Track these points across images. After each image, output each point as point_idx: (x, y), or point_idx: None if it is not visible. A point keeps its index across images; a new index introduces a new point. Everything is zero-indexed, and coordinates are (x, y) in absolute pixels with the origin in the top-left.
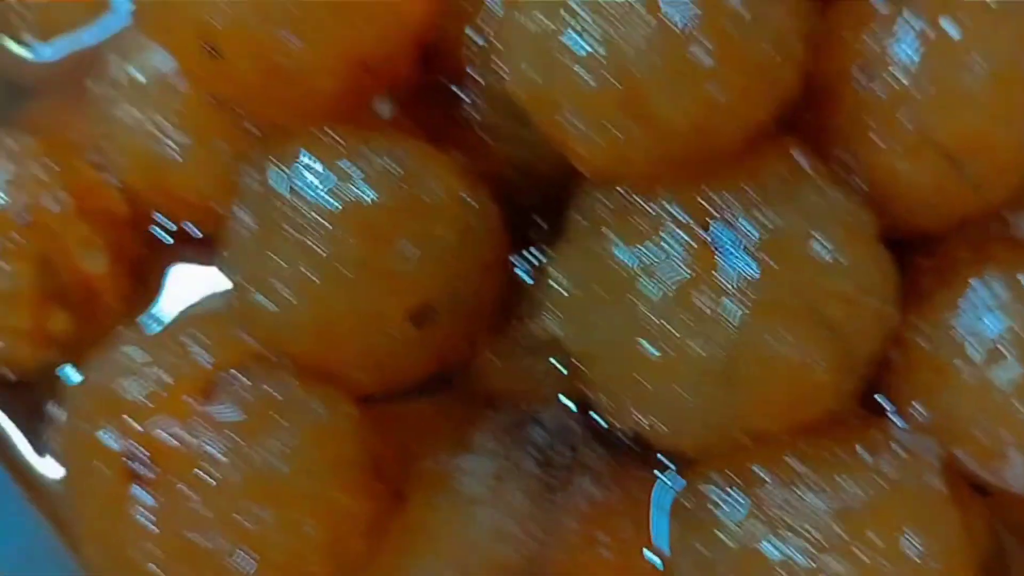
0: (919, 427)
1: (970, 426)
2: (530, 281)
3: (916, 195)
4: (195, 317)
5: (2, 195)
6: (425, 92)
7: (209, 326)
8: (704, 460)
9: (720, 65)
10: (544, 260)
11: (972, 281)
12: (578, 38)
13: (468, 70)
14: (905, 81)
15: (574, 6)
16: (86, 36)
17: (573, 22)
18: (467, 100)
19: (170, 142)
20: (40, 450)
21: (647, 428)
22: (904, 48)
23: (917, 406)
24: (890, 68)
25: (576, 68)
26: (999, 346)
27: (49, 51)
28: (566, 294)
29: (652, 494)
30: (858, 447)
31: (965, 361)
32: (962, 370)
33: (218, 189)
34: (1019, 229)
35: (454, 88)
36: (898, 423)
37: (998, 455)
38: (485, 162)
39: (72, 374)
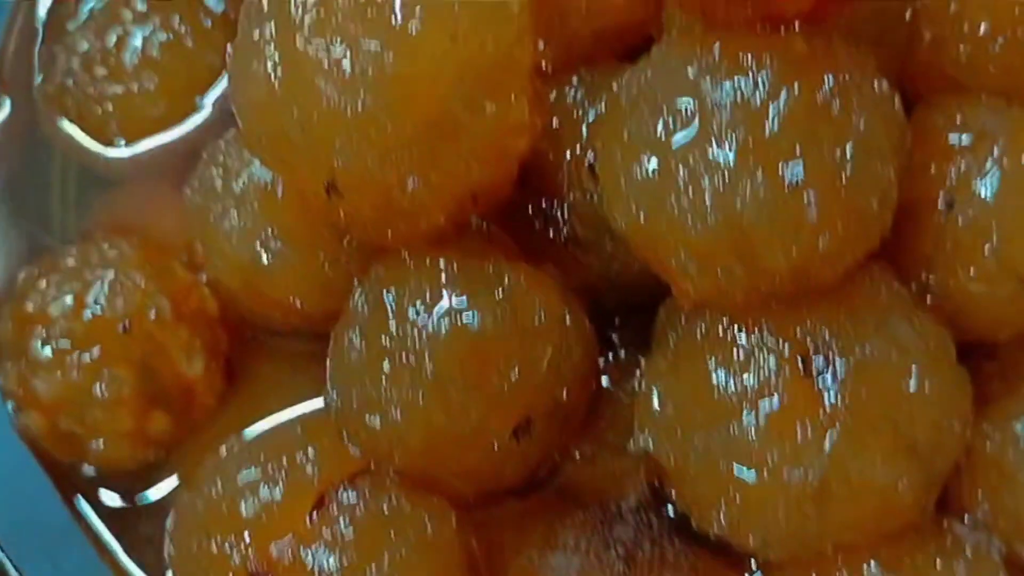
0: (982, 525)
1: None
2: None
3: (989, 313)
4: (300, 427)
5: (103, 303)
6: (516, 208)
7: (315, 438)
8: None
9: (825, 218)
10: (624, 359)
11: None
12: (687, 205)
13: (557, 187)
14: (986, 212)
15: (686, 156)
16: (171, 133)
17: (684, 172)
18: (557, 216)
19: (269, 250)
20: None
21: (735, 538)
22: (986, 181)
23: (982, 505)
24: (972, 200)
25: (686, 215)
26: None
27: (131, 149)
28: (661, 412)
29: None
30: (932, 550)
31: None
32: None
33: (315, 294)
34: None
35: (544, 204)
36: (963, 521)
37: None
38: (575, 275)
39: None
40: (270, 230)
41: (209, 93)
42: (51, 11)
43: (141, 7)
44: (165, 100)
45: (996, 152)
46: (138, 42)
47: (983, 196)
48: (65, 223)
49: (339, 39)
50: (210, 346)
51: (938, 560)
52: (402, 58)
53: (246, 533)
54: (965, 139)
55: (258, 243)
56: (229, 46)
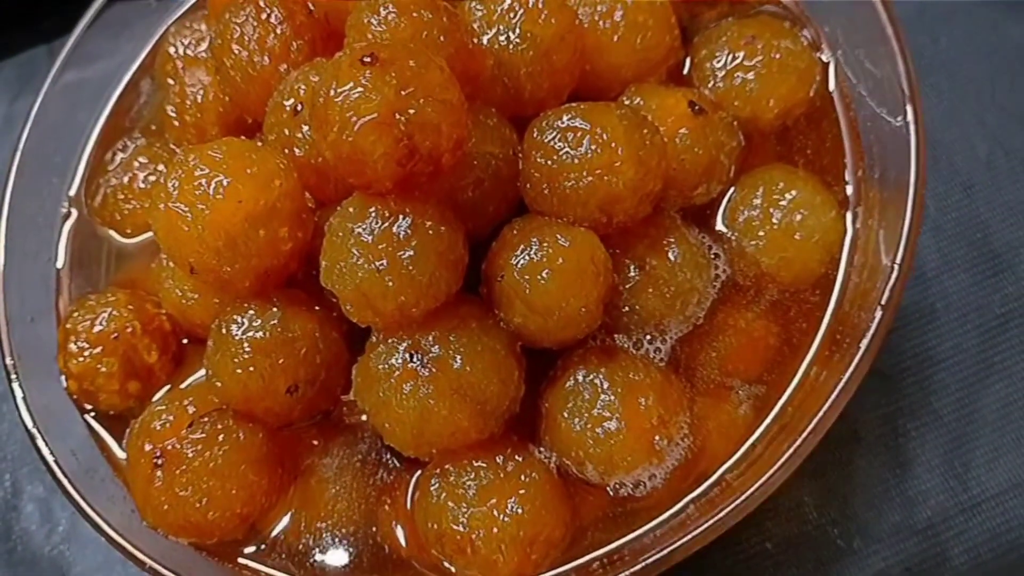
0: (548, 448)
1: (569, 447)
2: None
3: (530, 335)
4: (193, 387)
5: (104, 324)
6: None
7: (198, 393)
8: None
9: (400, 287)
10: None
11: (571, 376)
12: (340, 278)
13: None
14: (519, 282)
15: (348, 255)
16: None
17: (341, 265)
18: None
19: (190, 298)
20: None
21: (391, 442)
22: (520, 265)
23: (544, 438)
24: (514, 275)
25: (344, 283)
26: (575, 408)
27: (138, 239)
28: (356, 381)
29: None
30: (498, 457)
31: (564, 415)
32: (562, 420)
33: (210, 320)
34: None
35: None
36: (540, 447)
37: (580, 465)
38: (333, 307)
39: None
40: (189, 287)
41: None
42: (96, 158)
43: (143, 160)
44: None
45: (525, 251)
46: (141, 181)
47: (518, 272)
48: (103, 281)
49: (184, 204)
50: (162, 347)
51: (499, 459)
52: (212, 213)
53: (156, 437)
54: (517, 239)
55: (185, 294)
56: None
